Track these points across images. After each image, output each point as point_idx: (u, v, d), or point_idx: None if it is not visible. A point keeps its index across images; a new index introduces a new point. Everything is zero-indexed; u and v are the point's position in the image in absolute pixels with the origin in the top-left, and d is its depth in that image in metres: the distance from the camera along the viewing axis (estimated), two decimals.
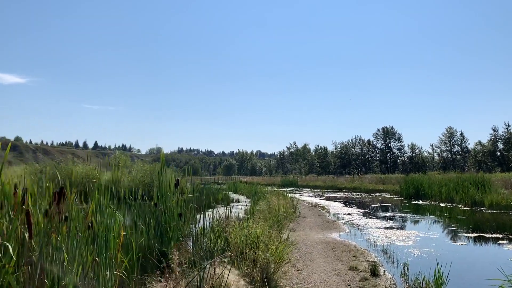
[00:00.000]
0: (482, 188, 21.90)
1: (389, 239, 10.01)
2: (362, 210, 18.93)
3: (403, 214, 17.08)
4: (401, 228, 12.32)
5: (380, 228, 12.23)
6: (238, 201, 25.91)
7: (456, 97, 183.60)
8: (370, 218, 15.45)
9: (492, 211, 17.46)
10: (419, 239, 10.04)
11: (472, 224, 12.74)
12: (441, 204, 21.83)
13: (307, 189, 45.62)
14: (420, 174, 36.69)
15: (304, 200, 26.20)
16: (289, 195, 31.36)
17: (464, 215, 16.18)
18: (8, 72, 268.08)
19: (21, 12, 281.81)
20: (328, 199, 28.11)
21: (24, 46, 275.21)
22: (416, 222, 14.40)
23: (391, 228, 12.26)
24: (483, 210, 18.00)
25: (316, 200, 26.90)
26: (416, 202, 24.00)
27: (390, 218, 15.31)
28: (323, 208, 19.89)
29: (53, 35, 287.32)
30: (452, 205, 21.05)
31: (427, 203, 23.16)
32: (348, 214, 16.91)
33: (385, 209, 20.58)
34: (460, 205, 20.70)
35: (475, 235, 10.70)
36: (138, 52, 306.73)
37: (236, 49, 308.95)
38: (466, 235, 10.77)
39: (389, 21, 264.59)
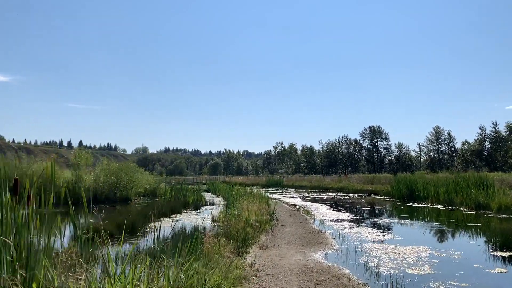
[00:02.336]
0: (486, 189, 19.47)
1: (395, 262, 7.20)
2: (352, 215, 16.19)
3: (401, 220, 14.39)
4: (406, 241, 9.53)
5: (378, 241, 9.44)
6: (212, 203, 22.92)
7: (442, 97, 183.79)
8: (363, 226, 12.68)
9: (503, 216, 14.94)
10: (436, 261, 7.25)
11: (495, 236, 9.99)
12: (440, 207, 19.34)
13: (292, 189, 42.90)
14: (408, 174, 34.52)
15: (287, 202, 23.38)
16: (271, 196, 28.54)
17: (474, 222, 13.60)
18: None
19: (6, 11, 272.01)
20: (314, 200, 25.35)
21: (9, 44, 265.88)
22: (420, 232, 11.70)
23: (392, 241, 9.49)
24: (492, 215, 15.50)
25: (300, 202, 24.10)
26: (411, 204, 21.48)
27: (388, 226, 12.57)
28: (307, 212, 17.08)
29: (38, 33, 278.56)
30: (452, 208, 18.56)
31: (423, 205, 20.64)
32: (337, 220, 14.12)
33: (378, 213, 17.91)
34: (462, 208, 18.21)
35: (509, 254, 8.00)
36: (123, 52, 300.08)
37: (225, 49, 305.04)
38: (495, 253, 8.05)
39: (378, 23, 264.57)
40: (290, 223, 12.59)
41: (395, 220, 14.50)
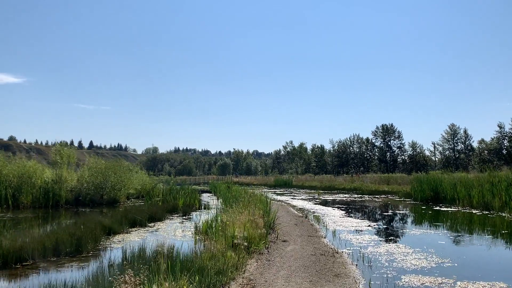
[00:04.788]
0: None
1: None
2: (373, 223, 13.12)
3: (437, 231, 11.30)
4: (465, 271, 6.49)
5: (424, 271, 6.42)
6: (207, 207, 20.00)
7: (456, 96, 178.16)
8: (393, 241, 9.63)
9: None
10: None
11: None
12: (475, 212, 16.24)
13: (301, 190, 39.85)
14: (423, 173, 31.49)
15: (294, 206, 20.38)
16: (278, 198, 25.53)
17: None
18: (4, 72, 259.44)
19: (17, 12, 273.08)
20: (325, 203, 22.29)
21: (21, 46, 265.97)
22: (474, 251, 8.64)
23: (444, 271, 6.46)
24: None
25: (309, 205, 21.06)
26: (438, 208, 18.37)
27: (425, 242, 9.46)
28: (317, 219, 14.06)
29: (49, 35, 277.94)
30: (491, 214, 15.44)
31: (453, 209, 17.51)
32: (356, 231, 11.09)
33: (404, 220, 14.82)
34: (504, 214, 15.10)
35: None
36: (132, 52, 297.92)
37: (233, 49, 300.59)
38: None
39: (388, 22, 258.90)
40: (294, 236, 9.59)
41: (430, 231, 11.40)
